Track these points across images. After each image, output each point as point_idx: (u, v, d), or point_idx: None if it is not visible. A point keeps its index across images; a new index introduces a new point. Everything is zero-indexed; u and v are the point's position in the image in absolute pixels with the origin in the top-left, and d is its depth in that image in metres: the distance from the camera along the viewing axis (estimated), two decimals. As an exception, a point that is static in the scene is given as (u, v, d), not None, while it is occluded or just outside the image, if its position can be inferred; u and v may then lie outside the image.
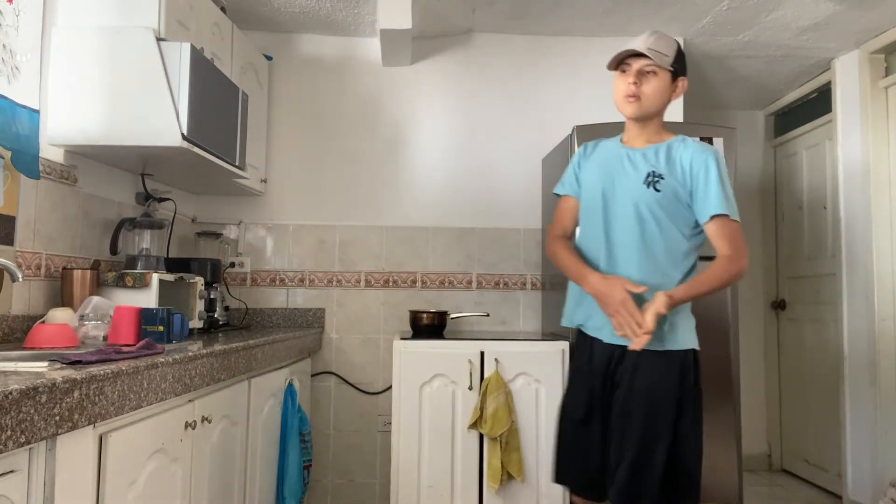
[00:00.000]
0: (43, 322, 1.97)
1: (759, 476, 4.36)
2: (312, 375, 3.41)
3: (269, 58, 3.46)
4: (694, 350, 1.91)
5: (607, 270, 1.92)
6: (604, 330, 1.92)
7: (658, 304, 1.79)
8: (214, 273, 2.98)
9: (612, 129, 3.00)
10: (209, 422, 1.96)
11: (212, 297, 2.89)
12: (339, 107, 3.55)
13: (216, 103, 2.50)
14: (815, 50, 3.64)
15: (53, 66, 2.21)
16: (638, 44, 1.92)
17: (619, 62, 1.97)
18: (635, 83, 1.91)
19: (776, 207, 4.61)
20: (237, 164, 2.72)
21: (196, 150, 2.31)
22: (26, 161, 2.06)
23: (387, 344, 3.41)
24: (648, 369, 1.85)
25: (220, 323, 3.01)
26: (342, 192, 3.51)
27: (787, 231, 4.47)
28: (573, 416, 1.98)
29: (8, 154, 1.98)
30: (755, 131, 4.72)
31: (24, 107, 2.08)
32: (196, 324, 2.56)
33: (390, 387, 3.09)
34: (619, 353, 1.89)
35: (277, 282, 3.46)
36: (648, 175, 1.90)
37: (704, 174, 1.88)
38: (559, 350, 2.90)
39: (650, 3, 3.18)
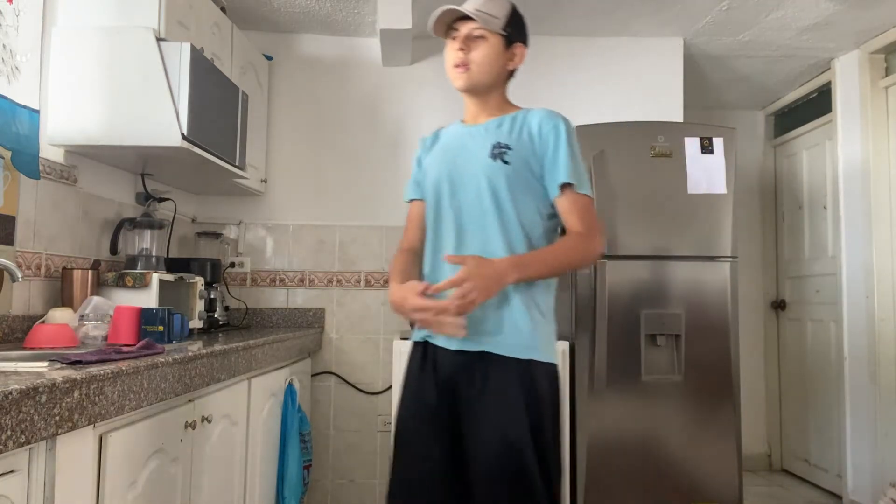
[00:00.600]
0: (43, 322, 1.97)
1: (759, 476, 4.36)
2: (312, 375, 3.41)
3: (269, 58, 3.46)
4: (554, 365, 1.63)
5: (458, 268, 1.59)
6: (452, 339, 1.61)
7: (461, 271, 1.48)
8: (214, 273, 2.98)
9: (613, 130, 3.03)
10: (209, 422, 1.96)
11: (212, 297, 2.89)
12: (339, 107, 3.55)
13: (216, 103, 2.50)
14: (815, 50, 3.64)
15: (53, 66, 2.21)
16: (465, 5, 1.71)
17: (447, 28, 1.74)
18: (462, 49, 1.68)
19: (776, 207, 4.61)
20: (237, 164, 2.72)
21: (196, 150, 2.31)
22: (26, 161, 2.06)
23: (387, 344, 3.41)
24: (503, 376, 1.57)
25: (220, 323, 3.01)
26: (342, 192, 3.51)
27: (787, 231, 4.47)
28: (411, 425, 1.67)
29: (8, 154, 1.98)
30: (755, 131, 4.72)
31: (24, 107, 2.08)
32: (196, 324, 2.56)
33: (390, 387, 3.09)
34: (471, 360, 1.59)
35: (277, 282, 3.46)
36: (494, 147, 1.66)
37: (555, 139, 1.66)
38: (559, 350, 2.89)
39: (650, 3, 3.18)
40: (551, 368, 1.62)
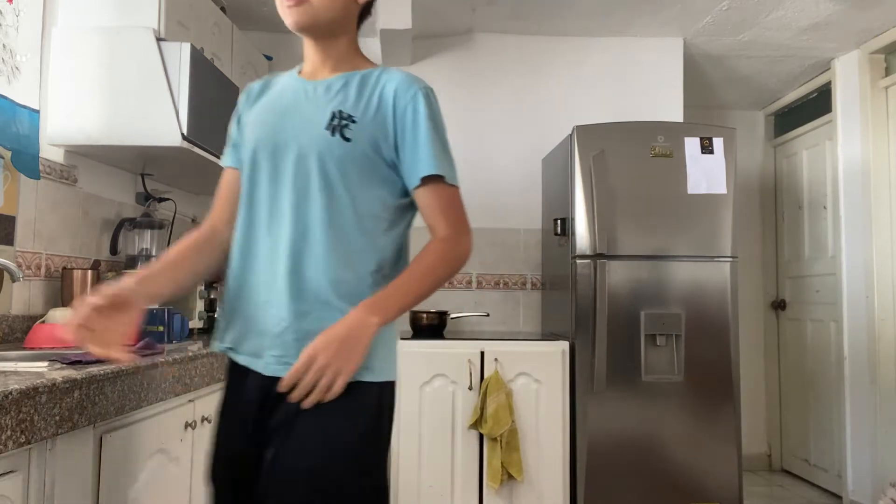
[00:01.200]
0: (43, 322, 1.97)
1: (759, 476, 4.36)
2: (312, 375, 3.40)
3: (269, 58, 3.46)
4: (391, 382, 1.30)
5: (274, 267, 1.26)
6: (262, 358, 1.26)
7: (304, 353, 1.16)
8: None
9: (613, 130, 3.03)
10: (209, 422, 1.96)
11: (212, 297, 2.88)
12: (339, 107, 3.54)
13: (216, 103, 2.50)
14: (815, 50, 3.64)
15: (53, 66, 2.21)
16: None
17: None
18: None
19: (776, 207, 4.61)
20: (237, 164, 2.72)
21: (196, 149, 2.31)
22: (26, 161, 2.06)
23: (387, 344, 3.40)
24: (320, 413, 1.18)
25: (220, 323, 3.01)
26: (342, 192, 3.51)
27: (787, 231, 4.47)
28: (216, 474, 1.33)
29: (8, 154, 1.98)
30: (755, 131, 4.72)
31: (24, 107, 2.09)
32: (196, 324, 2.56)
33: (390, 387, 3.08)
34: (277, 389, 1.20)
35: (277, 282, 3.46)
36: (333, 117, 1.29)
37: (412, 118, 1.30)
38: (559, 350, 2.90)
39: (650, 3, 3.18)
40: (385, 389, 1.29)
